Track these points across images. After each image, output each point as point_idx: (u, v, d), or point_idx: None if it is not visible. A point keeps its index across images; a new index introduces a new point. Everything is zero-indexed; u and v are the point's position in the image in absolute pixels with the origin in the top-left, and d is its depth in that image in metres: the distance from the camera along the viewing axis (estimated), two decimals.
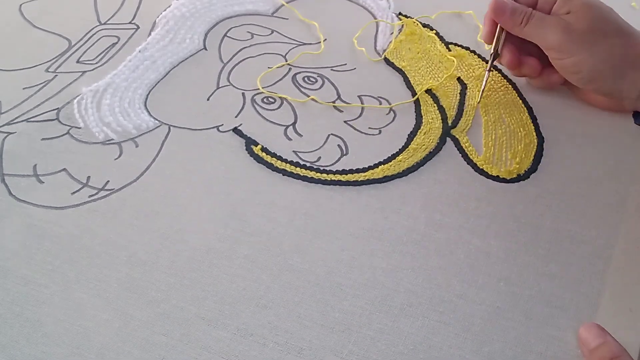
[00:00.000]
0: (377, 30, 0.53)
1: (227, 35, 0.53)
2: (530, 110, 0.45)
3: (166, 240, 0.39)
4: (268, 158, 0.43)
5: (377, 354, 0.33)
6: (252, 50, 0.51)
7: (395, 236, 0.38)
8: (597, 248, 0.37)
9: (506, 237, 0.38)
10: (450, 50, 0.50)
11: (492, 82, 0.47)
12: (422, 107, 0.46)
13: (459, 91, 0.47)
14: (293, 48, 0.51)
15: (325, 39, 0.52)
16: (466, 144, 0.43)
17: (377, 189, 0.41)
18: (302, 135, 0.45)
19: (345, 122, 0.45)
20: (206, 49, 0.52)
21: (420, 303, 0.35)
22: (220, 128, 0.45)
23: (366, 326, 0.34)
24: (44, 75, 0.50)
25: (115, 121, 0.46)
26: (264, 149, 0.44)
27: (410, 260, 0.37)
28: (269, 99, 0.47)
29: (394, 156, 0.43)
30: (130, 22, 0.54)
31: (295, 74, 0.49)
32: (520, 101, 0.46)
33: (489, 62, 0.45)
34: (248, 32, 0.53)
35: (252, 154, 0.44)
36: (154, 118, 0.46)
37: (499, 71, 0.48)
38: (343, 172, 0.42)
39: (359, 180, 0.42)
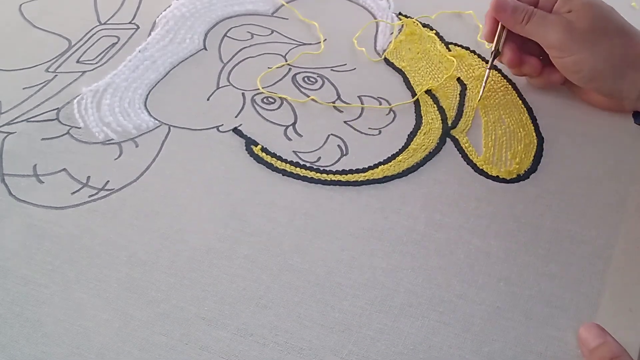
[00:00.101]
0: (377, 31, 0.53)
1: (227, 35, 0.53)
2: (530, 110, 0.45)
3: (166, 240, 0.39)
4: (268, 158, 0.43)
5: (377, 354, 0.33)
6: (252, 50, 0.51)
7: (395, 236, 0.38)
8: (597, 248, 0.37)
9: (506, 237, 0.38)
10: (450, 51, 0.50)
11: (492, 82, 0.47)
12: (422, 108, 0.46)
13: (458, 92, 0.47)
14: (293, 48, 0.51)
15: (325, 39, 0.52)
16: (466, 144, 0.43)
17: (377, 189, 0.41)
18: (302, 136, 0.45)
19: (345, 122, 0.45)
20: (206, 49, 0.52)
21: (420, 303, 0.35)
22: (220, 128, 0.46)
23: (366, 326, 0.34)
24: (44, 75, 0.50)
25: (115, 121, 0.46)
26: (263, 149, 0.44)
27: (410, 260, 0.37)
28: (269, 99, 0.47)
29: (393, 156, 0.43)
30: (130, 22, 0.54)
31: (295, 74, 0.49)
32: (520, 101, 0.46)
33: (490, 61, 0.45)
34: (248, 32, 0.53)
35: (252, 154, 0.44)
36: (154, 118, 0.46)
37: (499, 71, 0.48)
38: (343, 172, 0.42)
39: (359, 180, 0.42)
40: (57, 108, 0.47)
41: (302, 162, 0.43)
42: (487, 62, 0.47)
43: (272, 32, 0.53)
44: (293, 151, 0.44)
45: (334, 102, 0.47)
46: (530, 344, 0.33)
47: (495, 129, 0.44)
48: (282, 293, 0.36)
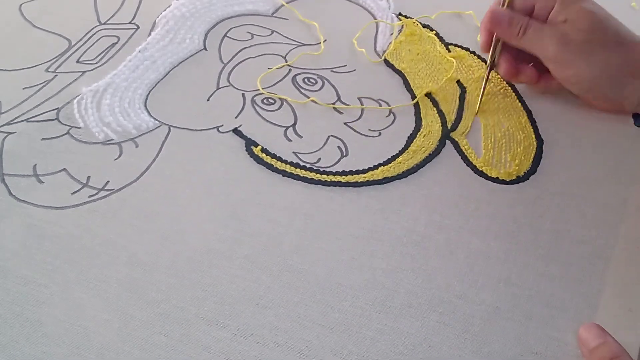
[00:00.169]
0: (377, 31, 0.53)
1: (227, 35, 0.53)
2: (529, 113, 0.45)
3: (166, 240, 0.39)
4: (268, 159, 0.43)
5: (377, 354, 0.33)
6: (252, 50, 0.51)
7: (395, 237, 0.38)
8: (596, 248, 0.37)
9: (506, 237, 0.38)
10: (450, 52, 0.50)
11: (491, 85, 0.47)
12: (421, 111, 0.46)
13: (458, 95, 0.47)
14: (293, 49, 0.51)
15: (325, 40, 0.52)
16: (465, 147, 0.43)
17: (377, 190, 0.41)
18: (302, 137, 0.45)
19: (345, 123, 0.45)
20: (206, 49, 0.52)
21: (420, 304, 0.35)
22: (220, 129, 0.46)
23: (366, 326, 0.35)
24: (44, 75, 0.50)
25: (115, 121, 0.46)
26: (264, 150, 0.44)
27: (410, 261, 0.37)
28: (269, 99, 0.47)
29: (393, 158, 0.43)
30: (130, 22, 0.54)
31: (295, 75, 0.49)
32: (520, 104, 0.46)
33: (486, 72, 0.45)
34: (248, 32, 0.53)
35: (252, 154, 0.44)
36: (154, 118, 0.46)
37: (498, 73, 0.48)
38: (343, 173, 0.42)
39: (359, 181, 0.42)
40: (57, 108, 0.47)
41: (302, 163, 0.43)
42: (486, 62, 0.47)
43: (272, 32, 0.53)
44: (293, 152, 0.44)
45: (334, 104, 0.47)
46: (530, 345, 0.33)
47: (494, 131, 0.44)
48: (282, 293, 0.36)
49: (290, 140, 0.45)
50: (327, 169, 0.42)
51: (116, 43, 0.52)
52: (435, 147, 0.43)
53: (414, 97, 0.47)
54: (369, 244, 0.38)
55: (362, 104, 0.47)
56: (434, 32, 0.52)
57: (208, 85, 0.49)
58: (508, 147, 0.43)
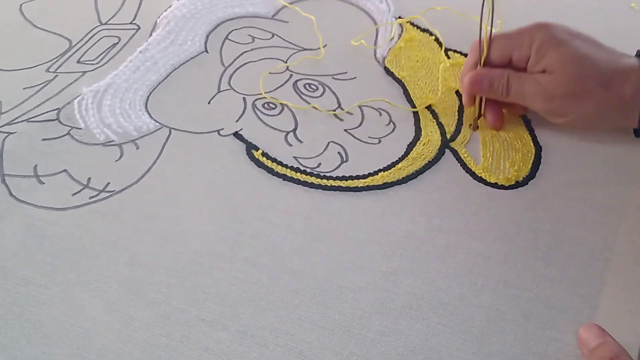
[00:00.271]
0: (376, 36, 0.53)
1: (228, 37, 0.53)
2: (527, 123, 0.45)
3: (167, 242, 0.39)
4: (268, 163, 0.43)
5: (377, 356, 0.34)
6: (253, 54, 0.52)
7: (395, 240, 0.39)
8: (596, 250, 0.38)
9: (505, 240, 0.38)
10: (449, 58, 0.51)
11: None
12: (421, 122, 0.46)
13: (457, 108, 0.47)
14: (294, 53, 0.51)
15: (326, 45, 0.52)
16: (464, 155, 0.44)
17: (377, 194, 0.41)
18: (302, 142, 0.45)
19: (345, 130, 0.46)
20: (207, 52, 0.52)
21: (420, 305, 0.36)
22: (221, 132, 0.46)
23: (366, 328, 0.35)
24: (44, 75, 0.50)
25: (116, 122, 0.46)
26: (264, 154, 0.44)
27: (410, 264, 0.37)
28: (270, 104, 0.48)
29: (393, 164, 0.43)
30: (131, 23, 0.54)
31: (297, 81, 0.49)
32: (518, 116, 0.46)
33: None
34: (249, 35, 0.53)
35: (252, 158, 0.44)
36: (155, 120, 0.47)
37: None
38: (343, 178, 0.42)
39: (359, 186, 0.42)
40: (58, 108, 0.47)
41: (302, 168, 0.43)
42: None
43: (273, 35, 0.53)
44: (293, 157, 0.44)
45: (334, 110, 0.47)
46: (530, 346, 0.34)
47: (493, 142, 0.44)
48: (282, 295, 0.36)
49: (290, 145, 0.45)
50: (328, 174, 0.43)
51: (117, 43, 0.52)
52: (434, 154, 0.44)
53: (413, 107, 0.47)
54: (369, 246, 0.38)
55: (362, 112, 0.47)
56: (433, 37, 0.52)
57: (209, 88, 0.49)
58: (507, 155, 0.43)
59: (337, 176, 0.43)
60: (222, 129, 0.46)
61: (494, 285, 0.36)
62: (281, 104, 0.47)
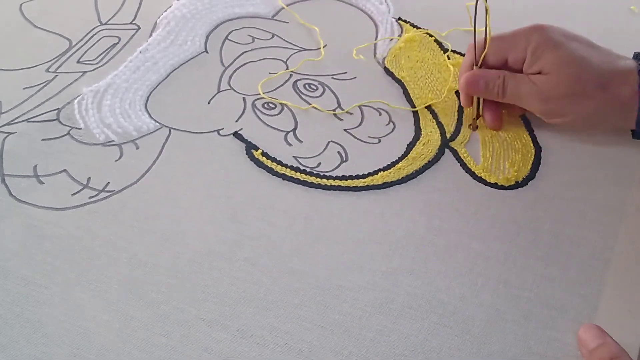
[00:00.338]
0: (376, 37, 0.53)
1: (228, 38, 0.53)
2: (527, 123, 0.45)
3: (167, 242, 0.39)
4: (268, 162, 0.43)
5: (377, 356, 0.34)
6: (253, 54, 0.52)
7: (395, 240, 0.39)
8: (596, 250, 0.38)
9: (505, 240, 0.38)
10: (449, 58, 0.51)
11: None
12: (421, 122, 0.46)
13: (457, 109, 0.47)
14: (294, 53, 0.52)
15: (325, 45, 0.52)
16: (464, 155, 0.44)
17: (377, 194, 0.41)
18: (302, 142, 0.45)
19: (345, 130, 0.46)
20: (207, 52, 0.52)
21: (420, 305, 0.36)
22: (220, 132, 0.46)
23: (366, 328, 0.35)
24: (44, 75, 0.50)
25: (115, 122, 0.46)
26: (264, 154, 0.44)
27: (410, 263, 0.37)
28: (270, 104, 0.48)
29: (393, 164, 0.43)
30: (131, 23, 0.54)
31: (296, 81, 0.49)
32: (518, 117, 0.46)
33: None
34: (249, 35, 0.53)
35: (252, 158, 0.44)
36: (155, 120, 0.47)
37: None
38: (343, 177, 0.42)
39: (359, 186, 0.42)
40: (58, 108, 0.47)
41: (302, 167, 0.43)
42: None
43: (273, 36, 0.53)
44: (293, 156, 0.44)
45: (334, 110, 0.47)
46: (530, 346, 0.34)
47: (492, 142, 0.44)
48: (282, 295, 0.36)
49: (290, 144, 0.45)
50: (327, 174, 0.43)
51: (117, 43, 0.52)
52: (434, 154, 0.44)
53: (413, 107, 0.47)
54: (368, 246, 0.38)
55: (362, 112, 0.47)
56: (433, 38, 0.52)
57: (209, 88, 0.49)
58: (506, 155, 0.43)
59: (336, 176, 0.43)
60: (222, 128, 0.46)
61: (494, 285, 0.36)
62: (281, 103, 0.47)
